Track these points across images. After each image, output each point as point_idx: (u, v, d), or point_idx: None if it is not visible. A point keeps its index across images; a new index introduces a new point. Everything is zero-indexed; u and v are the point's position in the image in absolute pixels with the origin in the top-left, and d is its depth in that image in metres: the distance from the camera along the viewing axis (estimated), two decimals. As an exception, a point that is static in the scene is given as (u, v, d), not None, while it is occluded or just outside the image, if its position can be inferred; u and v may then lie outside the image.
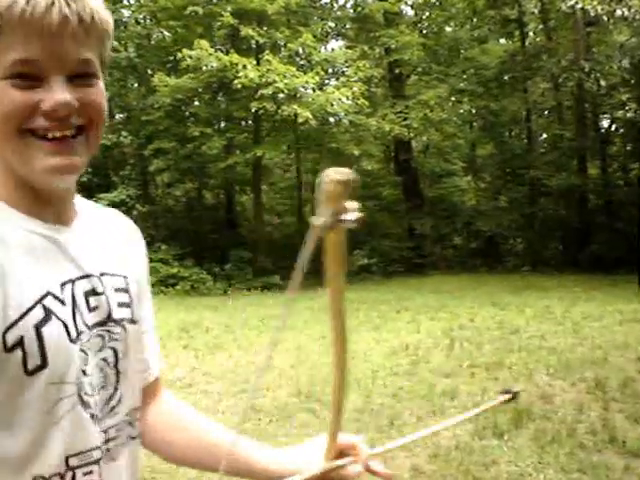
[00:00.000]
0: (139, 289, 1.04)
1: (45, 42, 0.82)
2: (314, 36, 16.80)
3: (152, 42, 18.51)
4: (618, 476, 4.06)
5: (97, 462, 0.90)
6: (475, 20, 21.64)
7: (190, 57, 15.93)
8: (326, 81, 18.68)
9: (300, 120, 15.31)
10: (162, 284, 16.74)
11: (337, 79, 18.57)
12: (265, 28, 17.19)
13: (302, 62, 18.00)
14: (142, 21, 18.04)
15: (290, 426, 5.18)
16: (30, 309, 0.82)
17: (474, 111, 21.65)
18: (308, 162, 19.98)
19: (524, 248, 20.43)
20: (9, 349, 0.79)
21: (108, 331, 0.95)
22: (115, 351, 0.95)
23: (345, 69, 18.07)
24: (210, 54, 16.07)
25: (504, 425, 4.95)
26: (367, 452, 0.98)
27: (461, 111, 21.53)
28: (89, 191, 17.23)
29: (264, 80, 15.18)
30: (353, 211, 0.66)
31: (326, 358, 7.74)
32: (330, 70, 18.94)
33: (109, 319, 0.95)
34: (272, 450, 1.07)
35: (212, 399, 6.12)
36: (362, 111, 16.94)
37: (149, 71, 18.62)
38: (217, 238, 18.36)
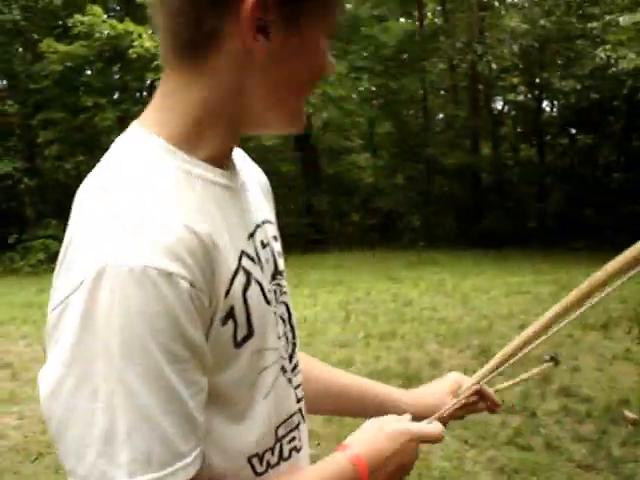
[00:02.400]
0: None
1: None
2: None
3: (39, 5, 17.43)
4: (495, 430, 4.29)
5: (297, 427, 0.87)
6: (375, -2, 21.82)
7: (82, 23, 15.19)
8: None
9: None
10: (52, 261, 16.04)
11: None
12: (161, -5, 16.59)
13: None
14: (28, -19, 16.95)
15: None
16: (235, 274, 0.75)
17: (374, 89, 21.91)
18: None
19: (420, 225, 21.02)
20: (223, 321, 0.73)
21: (279, 285, 0.89)
22: (287, 306, 0.91)
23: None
24: (103, 21, 15.38)
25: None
26: (491, 392, 1.15)
27: (361, 89, 21.73)
28: (-30, 162, 16.21)
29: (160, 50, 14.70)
30: None
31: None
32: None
33: (277, 271, 0.89)
34: (402, 390, 1.16)
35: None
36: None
37: (36, 36, 17.59)
38: (111, 213, 17.69)
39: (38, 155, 18.85)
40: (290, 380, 0.87)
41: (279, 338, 0.85)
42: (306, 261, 15.49)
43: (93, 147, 18.06)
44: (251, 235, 0.83)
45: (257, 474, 0.81)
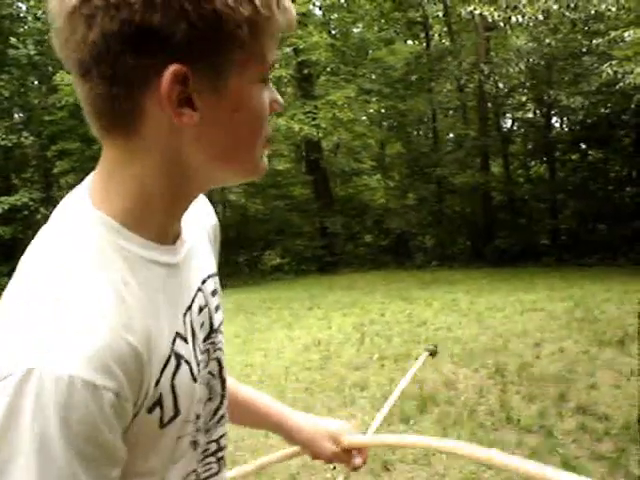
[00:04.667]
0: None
1: (276, 40, 0.77)
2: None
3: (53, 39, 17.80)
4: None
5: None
6: (382, 22, 22.10)
7: (93, 55, 15.52)
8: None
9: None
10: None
11: (246, 79, 18.45)
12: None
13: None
14: (42, 16, 17.34)
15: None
16: (167, 362, 0.75)
17: (383, 111, 22.09)
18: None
19: (432, 244, 21.02)
20: (149, 410, 0.73)
21: (212, 343, 0.89)
22: (219, 361, 0.92)
23: (254, 69, 17.99)
24: (114, 52, 15.67)
25: (410, 411, 5.11)
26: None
27: (370, 111, 21.90)
28: (-12, 194, 16.48)
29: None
30: None
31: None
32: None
33: (212, 330, 0.90)
34: (295, 421, 1.25)
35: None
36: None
37: (50, 69, 17.95)
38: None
39: (54, 185, 19.14)
40: (195, 442, 0.87)
41: (202, 403, 0.87)
42: (320, 283, 15.53)
43: (107, 176, 18.30)
44: (189, 308, 0.83)
45: None
